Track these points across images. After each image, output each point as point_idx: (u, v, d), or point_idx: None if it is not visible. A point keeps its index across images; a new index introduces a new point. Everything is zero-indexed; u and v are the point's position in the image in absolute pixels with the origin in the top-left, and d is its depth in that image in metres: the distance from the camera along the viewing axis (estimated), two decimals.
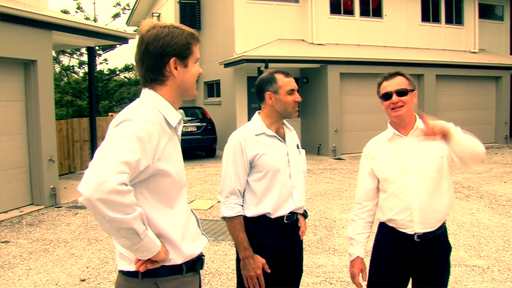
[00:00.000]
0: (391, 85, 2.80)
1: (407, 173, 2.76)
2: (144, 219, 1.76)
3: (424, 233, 2.76)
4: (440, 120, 2.52)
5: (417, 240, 2.76)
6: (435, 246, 2.81)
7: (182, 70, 2.01)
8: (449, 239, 2.96)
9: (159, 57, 1.97)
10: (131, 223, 1.69)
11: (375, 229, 3.03)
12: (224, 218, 2.89)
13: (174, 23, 2.07)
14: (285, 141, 2.98)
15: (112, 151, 1.72)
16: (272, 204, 2.87)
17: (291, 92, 2.93)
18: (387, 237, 2.87)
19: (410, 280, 2.92)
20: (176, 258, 1.96)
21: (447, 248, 2.90)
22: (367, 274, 2.99)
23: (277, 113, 2.95)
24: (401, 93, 2.77)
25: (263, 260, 2.84)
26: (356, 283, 2.97)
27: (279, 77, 2.96)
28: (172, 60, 1.98)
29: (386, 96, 2.79)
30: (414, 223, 2.74)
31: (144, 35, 1.99)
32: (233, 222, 2.85)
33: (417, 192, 2.74)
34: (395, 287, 2.86)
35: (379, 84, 2.89)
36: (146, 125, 1.82)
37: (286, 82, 2.94)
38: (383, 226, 2.91)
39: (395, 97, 2.76)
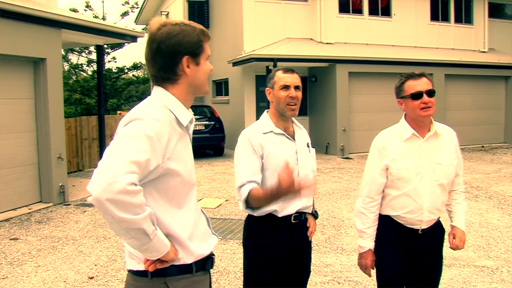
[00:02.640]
0: (420, 85, 2.80)
1: (422, 176, 2.81)
2: (154, 219, 1.74)
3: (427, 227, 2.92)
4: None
5: (420, 233, 2.89)
6: (435, 232, 2.97)
7: (194, 68, 1.98)
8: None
9: (172, 56, 1.93)
10: (141, 224, 1.67)
11: None
12: (245, 203, 2.71)
13: (184, 20, 2.04)
14: (294, 139, 2.97)
15: (121, 150, 1.70)
16: (279, 202, 2.85)
17: (284, 87, 2.89)
18: (392, 229, 2.92)
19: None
20: (185, 258, 1.95)
21: (443, 231, 3.07)
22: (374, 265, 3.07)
23: (275, 109, 2.95)
24: (431, 93, 2.80)
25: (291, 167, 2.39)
26: (369, 273, 3.03)
27: (278, 73, 2.97)
28: (185, 59, 1.94)
29: (416, 96, 2.78)
30: (422, 223, 2.86)
31: (155, 34, 1.94)
32: (253, 196, 2.65)
33: (429, 196, 2.82)
34: (402, 278, 2.94)
35: (403, 83, 2.87)
36: (155, 124, 1.80)
37: (281, 77, 2.93)
38: (387, 220, 2.93)
39: (426, 97, 2.77)
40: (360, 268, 3.06)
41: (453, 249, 3.03)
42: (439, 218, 2.97)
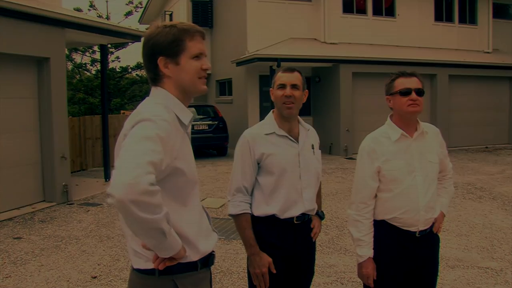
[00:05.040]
0: (410, 83, 2.81)
1: (415, 175, 2.81)
2: (169, 218, 1.77)
3: (425, 229, 2.88)
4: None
5: (418, 236, 2.85)
6: (432, 238, 2.95)
7: (175, 68, 1.99)
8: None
9: (150, 57, 2.00)
10: (160, 223, 1.69)
11: None
12: (231, 215, 2.90)
13: (180, 21, 2.07)
14: (298, 141, 2.93)
15: (138, 152, 1.72)
16: (279, 205, 2.83)
17: (281, 86, 2.87)
18: (389, 235, 2.87)
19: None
20: (192, 255, 1.98)
21: (438, 238, 3.04)
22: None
23: (277, 109, 2.94)
24: (420, 93, 2.80)
25: (270, 259, 2.82)
26: (371, 283, 2.90)
27: (278, 73, 2.96)
28: (159, 60, 1.98)
29: (405, 93, 2.78)
30: (419, 223, 2.82)
31: (144, 37, 2.06)
32: (239, 219, 2.84)
33: (424, 194, 2.81)
34: (402, 285, 2.90)
35: (393, 80, 2.87)
36: (165, 125, 1.83)
37: (279, 77, 2.91)
38: (383, 225, 2.88)
39: (414, 95, 2.77)
40: (362, 279, 2.96)
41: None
42: (434, 222, 2.92)
